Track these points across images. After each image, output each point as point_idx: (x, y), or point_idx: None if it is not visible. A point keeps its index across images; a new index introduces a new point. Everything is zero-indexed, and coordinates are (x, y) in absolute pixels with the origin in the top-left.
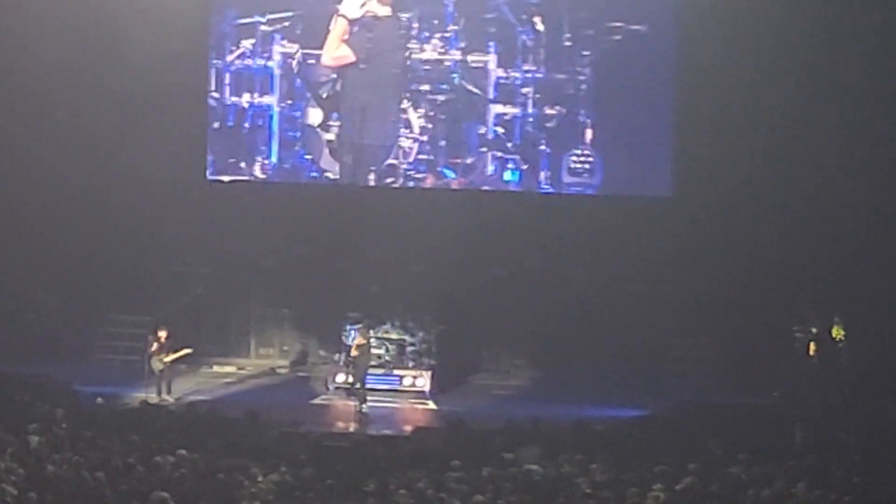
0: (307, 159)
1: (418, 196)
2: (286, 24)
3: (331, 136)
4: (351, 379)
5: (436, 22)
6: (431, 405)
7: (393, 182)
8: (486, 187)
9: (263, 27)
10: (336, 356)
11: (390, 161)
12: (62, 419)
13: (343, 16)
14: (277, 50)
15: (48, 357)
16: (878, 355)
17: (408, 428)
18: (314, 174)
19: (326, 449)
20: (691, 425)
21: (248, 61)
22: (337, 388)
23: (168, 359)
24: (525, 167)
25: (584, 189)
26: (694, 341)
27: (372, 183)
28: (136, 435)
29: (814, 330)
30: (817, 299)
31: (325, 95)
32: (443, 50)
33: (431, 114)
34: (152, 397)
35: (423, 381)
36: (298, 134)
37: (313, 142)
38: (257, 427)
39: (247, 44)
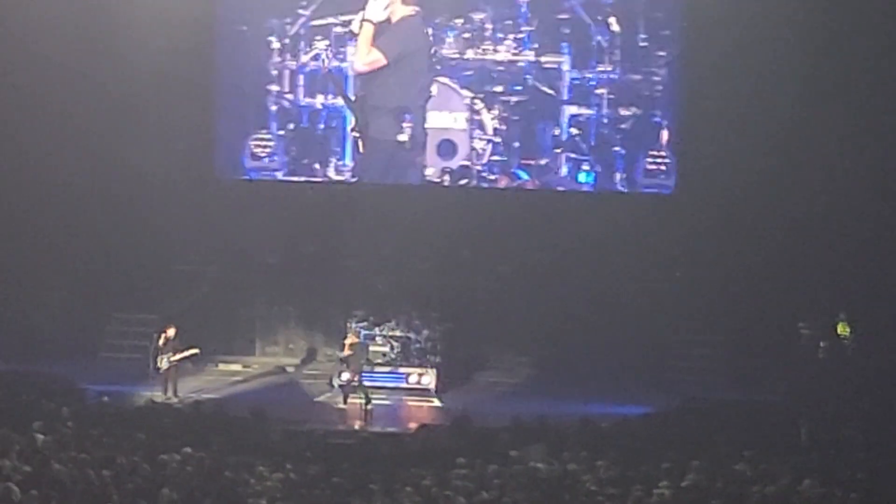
0: None
1: (422, 194)
2: None
3: (404, 136)
4: (345, 377)
5: (509, 23)
6: (437, 403)
7: (467, 183)
8: (560, 188)
9: (337, 29)
10: (341, 354)
11: (463, 162)
12: (68, 417)
13: (369, 20)
14: (351, 51)
15: (54, 355)
16: (884, 352)
17: (413, 425)
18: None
19: (332, 447)
20: (697, 422)
21: (323, 63)
22: (342, 385)
23: (175, 358)
24: (599, 168)
25: (659, 190)
26: (699, 338)
27: (446, 184)
28: (142, 433)
29: (819, 327)
30: (822, 296)
31: (353, 98)
32: (516, 51)
33: (505, 115)
34: (158, 396)
35: (429, 379)
36: None
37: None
38: (263, 425)
39: (321, 45)
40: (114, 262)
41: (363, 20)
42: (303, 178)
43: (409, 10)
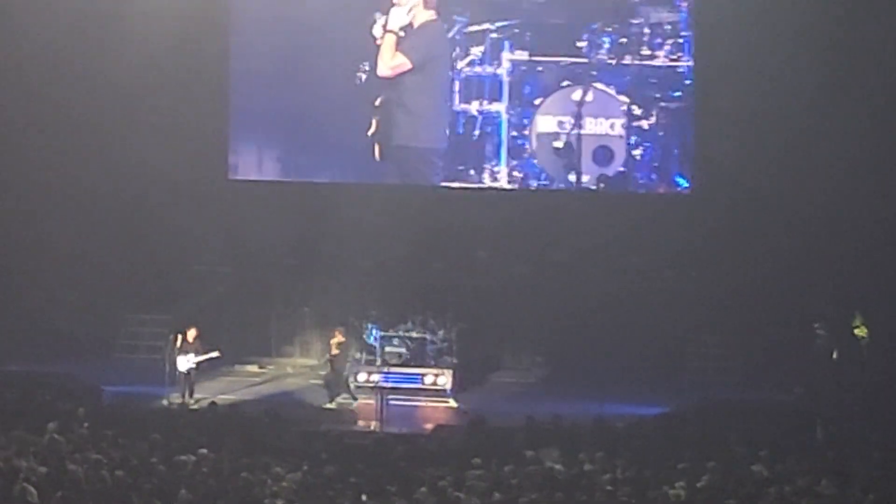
0: (536, 166)
1: (435, 194)
2: (516, 31)
3: (559, 143)
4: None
5: (668, 27)
6: (452, 403)
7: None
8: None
9: (493, 35)
10: (357, 355)
11: (620, 168)
12: (84, 418)
13: (392, 31)
14: (507, 57)
15: (69, 356)
16: None
17: (429, 426)
18: (544, 181)
19: (348, 447)
20: (712, 422)
21: (478, 69)
22: (358, 386)
23: (196, 359)
24: None
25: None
26: (715, 338)
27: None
28: (157, 434)
29: (835, 327)
30: (838, 296)
31: (377, 103)
32: (676, 56)
33: (664, 121)
34: (174, 396)
35: (445, 380)
36: (527, 141)
37: (543, 149)
38: (279, 426)
39: (476, 51)
40: (129, 262)
41: (386, 29)
42: (458, 185)
43: (431, 14)
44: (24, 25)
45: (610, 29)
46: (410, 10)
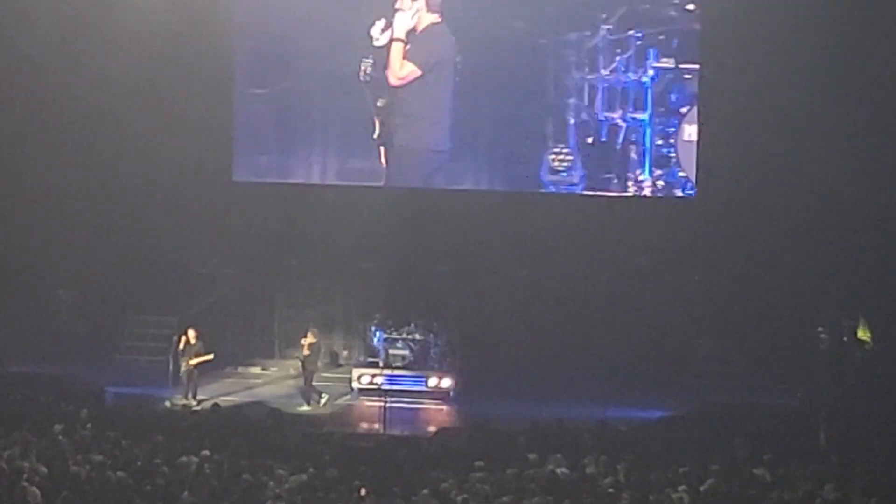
0: (681, 176)
1: (440, 197)
2: (661, 37)
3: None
4: (302, 379)
5: None
6: (455, 406)
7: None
8: None
9: (638, 42)
10: (361, 357)
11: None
12: (86, 419)
13: (399, 38)
14: (652, 64)
15: (73, 358)
16: None
17: (432, 429)
18: (690, 191)
19: (350, 450)
20: (715, 426)
21: (622, 76)
22: (361, 389)
23: (193, 361)
24: None
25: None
26: (717, 342)
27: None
28: (160, 435)
29: (838, 330)
30: (841, 299)
31: (380, 104)
32: None
33: None
34: (177, 398)
35: (448, 382)
36: (672, 150)
37: (688, 158)
38: (281, 428)
39: (621, 58)
40: (133, 263)
41: (393, 38)
42: (600, 193)
43: (435, 17)
44: (25, 26)
45: None
46: (415, 14)
